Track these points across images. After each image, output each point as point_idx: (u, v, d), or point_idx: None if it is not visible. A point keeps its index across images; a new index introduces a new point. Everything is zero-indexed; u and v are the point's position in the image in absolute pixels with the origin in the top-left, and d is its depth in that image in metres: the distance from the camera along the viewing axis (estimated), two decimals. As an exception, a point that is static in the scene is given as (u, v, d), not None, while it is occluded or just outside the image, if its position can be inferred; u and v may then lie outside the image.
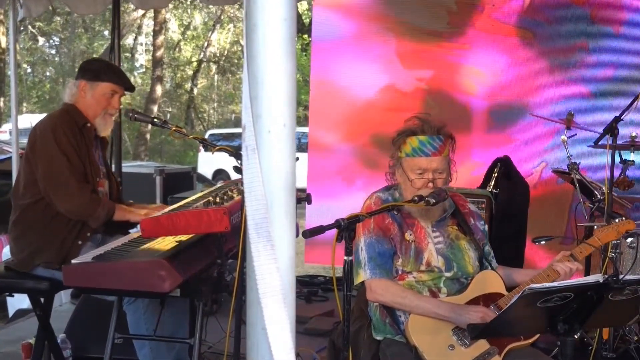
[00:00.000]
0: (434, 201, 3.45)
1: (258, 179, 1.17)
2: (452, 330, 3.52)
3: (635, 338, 5.61)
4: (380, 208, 3.43)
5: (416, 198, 3.46)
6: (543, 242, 3.88)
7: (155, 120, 4.25)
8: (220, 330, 5.20)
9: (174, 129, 4.15)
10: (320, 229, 2.88)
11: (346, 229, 2.95)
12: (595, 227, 3.94)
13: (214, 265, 3.94)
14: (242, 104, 1.22)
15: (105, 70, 4.55)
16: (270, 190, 1.18)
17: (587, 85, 7.64)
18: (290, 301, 1.22)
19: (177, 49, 37.24)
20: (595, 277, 2.83)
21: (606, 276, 2.80)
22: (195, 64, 37.31)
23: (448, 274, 3.69)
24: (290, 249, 1.23)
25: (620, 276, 2.79)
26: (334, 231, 3.00)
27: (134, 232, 4.40)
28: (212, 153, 4.26)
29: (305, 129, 10.69)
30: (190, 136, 4.34)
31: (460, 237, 3.80)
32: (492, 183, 6.30)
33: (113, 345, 4.10)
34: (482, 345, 3.51)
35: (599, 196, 5.67)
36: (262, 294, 1.14)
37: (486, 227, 3.96)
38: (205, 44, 36.76)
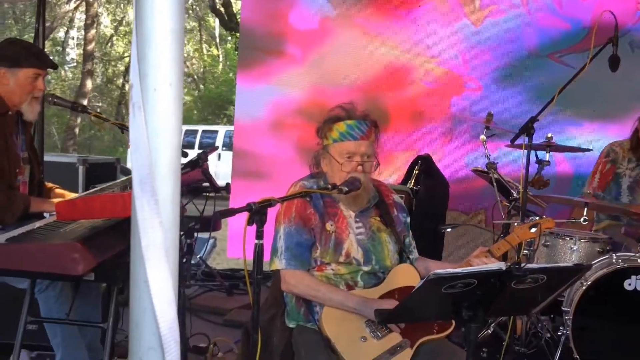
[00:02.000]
0: (347, 189, 3.51)
1: (143, 136, 1.20)
2: (365, 322, 3.57)
3: (548, 335, 5.74)
4: (293, 194, 3.48)
5: (330, 186, 3.51)
6: (449, 230, 3.96)
7: (74, 105, 4.22)
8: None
9: (93, 114, 4.13)
10: (231, 211, 2.91)
11: (257, 212, 2.98)
12: (516, 224, 4.03)
13: (129, 250, 3.92)
14: (131, 63, 1.24)
15: (25, 55, 4.44)
16: (155, 147, 1.21)
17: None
18: (172, 257, 1.24)
19: (109, 44, 36.79)
20: (499, 265, 2.89)
21: (509, 264, 2.87)
22: (127, 59, 36.89)
23: (366, 268, 3.73)
24: (174, 206, 1.26)
25: (522, 264, 2.86)
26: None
27: (50, 217, 4.35)
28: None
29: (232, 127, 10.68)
30: (110, 121, 4.32)
31: (381, 230, 3.84)
32: (413, 180, 6.39)
33: (26, 331, 4.05)
34: (394, 337, 3.56)
35: (515, 195, 5.80)
36: (145, 247, 1.17)
37: (408, 219, 4.01)
38: (138, 39, 36.35)
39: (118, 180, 4.72)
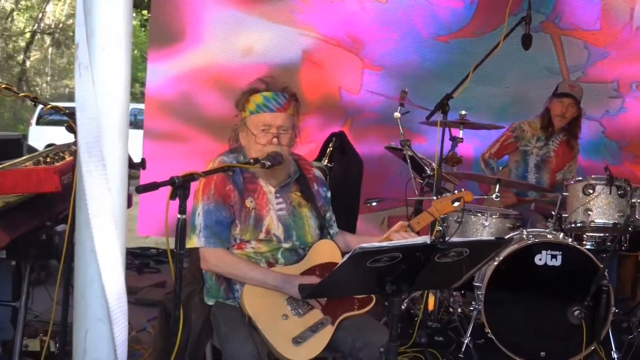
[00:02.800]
0: (269, 164, 3.47)
1: (91, 98, 1.14)
2: (287, 300, 3.54)
3: (459, 310, 5.83)
4: (216, 168, 3.42)
5: (252, 160, 3.47)
6: (374, 204, 3.96)
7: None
8: (48, 300, 5.04)
9: (3, 86, 3.99)
10: (153, 185, 2.83)
11: (180, 186, 2.91)
12: (435, 198, 4.06)
13: (43, 228, 3.82)
14: (76, 20, 1.18)
15: None
16: (103, 110, 1.15)
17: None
18: (121, 225, 1.19)
19: (9, 19, 35.73)
20: (423, 239, 2.90)
21: (433, 238, 2.88)
22: (28, 35, 35.93)
23: (286, 245, 3.70)
24: (123, 171, 1.21)
25: (447, 238, 2.88)
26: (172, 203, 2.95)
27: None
28: (44, 110, 4.12)
29: (141, 106, 10.50)
30: (21, 94, 4.17)
31: (302, 205, 3.80)
32: (327, 157, 6.39)
33: None
34: (316, 314, 3.55)
35: (429, 172, 5.85)
36: (92, 215, 1.12)
37: (329, 193, 3.99)
38: (40, 15, 35.46)
39: (29, 155, 4.57)
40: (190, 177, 3.01)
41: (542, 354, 5.25)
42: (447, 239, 2.87)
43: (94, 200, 1.14)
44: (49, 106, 3.79)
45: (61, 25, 36.18)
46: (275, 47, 8.18)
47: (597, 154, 8.24)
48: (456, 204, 3.82)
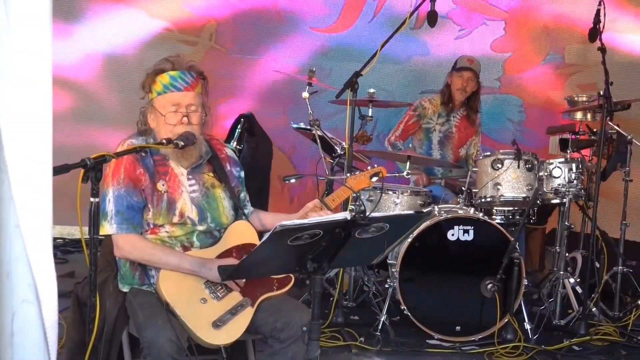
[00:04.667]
0: (183, 144, 3.40)
1: (7, 57, 1.05)
2: (204, 283, 3.48)
3: (374, 288, 5.85)
4: (128, 149, 3.32)
5: (164, 141, 3.38)
6: (293, 181, 3.92)
7: None
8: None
9: None
10: (65, 167, 2.71)
11: (92, 168, 2.80)
12: (349, 175, 4.04)
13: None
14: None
15: None
16: (20, 67, 1.05)
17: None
18: (47, 197, 1.11)
19: None
20: (344, 215, 2.87)
21: (353, 213, 2.85)
22: None
23: (201, 227, 3.63)
24: (46, 134, 1.12)
25: (367, 213, 2.85)
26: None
27: None
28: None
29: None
30: None
31: (215, 186, 3.73)
32: (236, 139, 6.32)
33: None
34: (235, 297, 3.49)
35: (339, 151, 5.83)
36: (15, 185, 1.03)
37: (242, 173, 3.92)
38: None
39: None
40: (102, 159, 2.90)
41: (457, 328, 5.33)
42: (367, 214, 2.84)
43: (15, 168, 1.05)
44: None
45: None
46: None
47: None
48: (374, 179, 3.82)
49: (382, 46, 5.29)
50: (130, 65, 7.73)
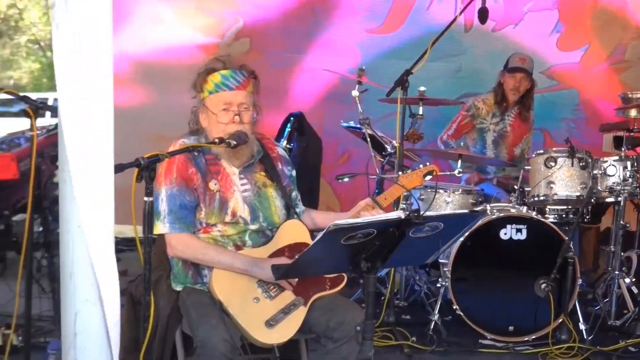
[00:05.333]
0: (235, 143, 3.40)
1: (70, 55, 1.04)
2: (257, 282, 3.48)
3: (426, 287, 5.82)
4: (181, 148, 3.33)
5: (217, 140, 3.39)
6: (347, 179, 3.90)
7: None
8: (8, 292, 4.92)
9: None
10: (119, 167, 2.73)
11: (146, 168, 2.82)
12: (401, 173, 4.01)
13: (1, 218, 3.71)
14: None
15: None
16: (84, 71, 1.05)
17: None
18: (110, 197, 1.10)
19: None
20: (397, 214, 2.85)
21: (408, 212, 2.83)
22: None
23: (253, 227, 3.63)
24: (109, 134, 1.11)
25: (422, 212, 2.83)
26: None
27: None
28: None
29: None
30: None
31: (267, 185, 3.73)
32: (286, 138, 6.32)
33: None
34: (288, 296, 3.49)
35: (389, 150, 5.81)
36: (78, 186, 1.03)
37: (294, 172, 3.92)
38: (-20, 5, 34.83)
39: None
40: (156, 158, 2.92)
41: (510, 328, 5.27)
42: (422, 213, 2.82)
43: (79, 169, 1.05)
44: (4, 90, 3.66)
45: (2, 15, 35.58)
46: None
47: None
48: (428, 177, 3.79)
49: (433, 44, 5.25)
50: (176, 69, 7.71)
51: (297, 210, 3.84)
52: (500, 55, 6.96)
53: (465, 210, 5.23)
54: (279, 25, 7.87)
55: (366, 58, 7.67)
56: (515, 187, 5.79)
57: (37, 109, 3.57)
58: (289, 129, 6.37)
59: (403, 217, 2.81)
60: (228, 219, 3.59)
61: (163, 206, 3.53)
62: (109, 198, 1.02)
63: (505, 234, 5.31)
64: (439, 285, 5.50)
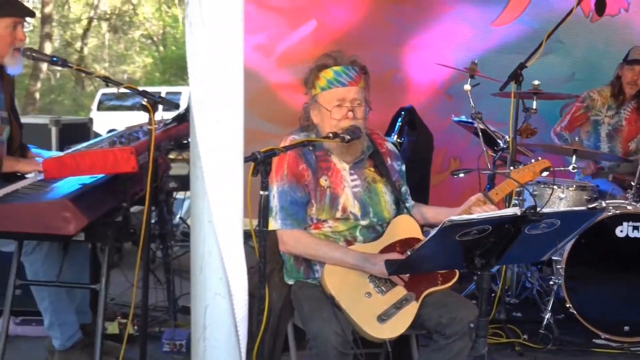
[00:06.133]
0: (349, 137, 3.41)
1: (201, 54, 1.06)
2: (369, 277, 3.48)
3: (537, 285, 5.73)
4: (296, 142, 3.35)
5: (331, 135, 3.40)
6: (462, 175, 3.86)
7: (54, 59, 4.04)
8: (125, 282, 5.07)
9: (75, 67, 3.98)
10: (237, 161, 2.77)
11: (262, 162, 2.85)
12: (512, 168, 3.96)
13: (120, 210, 3.80)
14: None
15: (0, 4, 4.27)
16: (216, 68, 1.06)
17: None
18: (238, 191, 1.12)
19: (66, 7, 36.14)
20: (513, 210, 2.81)
21: (524, 209, 2.78)
22: (85, 22, 36.30)
23: (364, 222, 3.63)
24: (239, 131, 1.12)
25: (538, 209, 2.78)
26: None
27: (34, 177, 4.18)
28: (117, 90, 4.09)
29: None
30: (94, 74, 4.16)
31: (377, 180, 3.73)
32: (397, 132, 6.30)
33: (14, 295, 3.92)
34: (399, 291, 3.48)
35: (502, 145, 5.73)
36: (208, 181, 1.05)
37: (403, 167, 3.90)
38: (96, 1, 35.80)
39: (104, 136, 4.54)
40: (272, 153, 2.94)
41: (626, 328, 5.15)
42: (539, 209, 2.77)
43: (209, 165, 1.07)
44: (124, 85, 3.76)
45: (117, 11, 36.53)
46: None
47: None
48: (545, 173, 3.73)
49: (548, 37, 5.15)
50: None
51: (407, 205, 3.83)
52: (620, 47, 6.78)
53: (583, 208, 5.12)
54: (392, 17, 7.85)
55: (478, 51, 7.57)
56: (632, 183, 5.64)
57: (155, 103, 3.65)
58: (400, 123, 6.35)
59: (519, 213, 2.77)
60: (339, 214, 3.60)
61: (275, 202, 3.57)
62: (238, 193, 1.04)
63: (621, 231, 5.18)
64: (551, 282, 5.40)
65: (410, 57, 7.95)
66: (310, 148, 3.58)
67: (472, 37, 7.81)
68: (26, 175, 4.24)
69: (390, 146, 3.92)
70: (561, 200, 5.62)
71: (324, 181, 3.61)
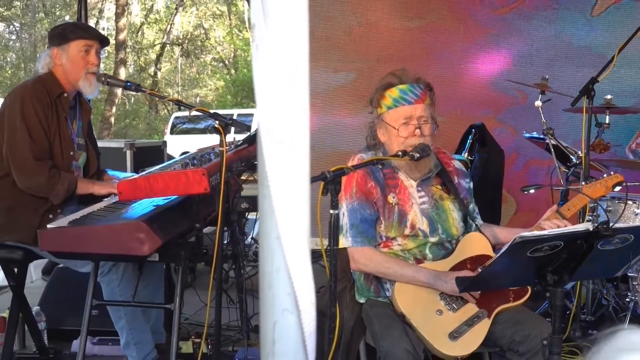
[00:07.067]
0: (418, 155, 3.41)
1: (269, 73, 1.08)
2: (440, 295, 3.48)
3: (614, 301, 5.63)
4: (365, 161, 3.36)
5: (400, 153, 3.41)
6: (532, 191, 3.83)
7: (128, 84, 4.13)
8: (198, 302, 5.14)
9: (149, 91, 4.07)
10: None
11: (332, 181, 2.88)
12: (584, 183, 3.91)
13: (193, 230, 3.86)
14: (252, 1, 1.13)
15: (72, 29, 4.37)
16: (281, 88, 1.09)
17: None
18: (305, 207, 1.14)
19: (139, 33, 36.87)
20: (585, 226, 2.78)
21: (596, 224, 2.75)
22: (158, 47, 36.97)
23: (433, 239, 3.63)
24: (304, 149, 1.15)
25: (611, 224, 2.75)
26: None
27: (109, 200, 4.28)
28: (189, 113, 4.17)
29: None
30: (167, 97, 4.25)
31: (444, 198, 3.73)
32: (467, 150, 6.27)
33: (91, 314, 4.01)
34: (471, 308, 3.46)
35: (574, 160, 5.66)
36: (276, 198, 1.07)
37: (471, 184, 3.89)
38: (169, 27, 36.44)
39: (177, 159, 4.63)
40: (341, 172, 2.97)
41: None
42: (611, 225, 2.74)
43: (276, 183, 1.09)
44: (195, 107, 3.84)
45: (189, 35, 37.10)
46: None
47: None
48: (617, 188, 3.68)
49: (620, 50, 5.08)
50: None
51: (476, 222, 3.81)
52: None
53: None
54: (458, 30, 7.85)
55: (549, 66, 7.50)
56: None
57: (226, 125, 3.72)
58: (470, 141, 6.32)
59: (591, 229, 2.74)
60: (407, 231, 3.60)
61: (345, 220, 3.59)
62: (305, 210, 1.06)
63: (698, 246, 5.06)
64: (628, 299, 5.30)
65: (480, 73, 7.93)
66: (380, 166, 3.59)
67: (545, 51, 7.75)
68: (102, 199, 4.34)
69: (457, 164, 3.92)
70: (636, 215, 5.52)
71: (392, 198, 3.62)
